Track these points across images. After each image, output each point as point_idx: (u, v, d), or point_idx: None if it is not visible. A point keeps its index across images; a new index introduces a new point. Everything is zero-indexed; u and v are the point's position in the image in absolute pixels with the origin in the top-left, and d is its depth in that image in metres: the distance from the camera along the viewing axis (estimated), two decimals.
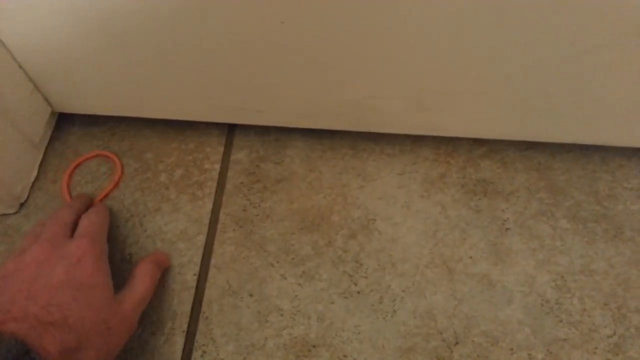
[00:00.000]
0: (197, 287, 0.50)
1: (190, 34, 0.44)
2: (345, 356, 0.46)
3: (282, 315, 0.48)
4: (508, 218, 0.52)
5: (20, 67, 0.51)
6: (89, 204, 0.51)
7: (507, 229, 0.52)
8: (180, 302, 0.49)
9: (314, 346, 0.47)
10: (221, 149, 0.58)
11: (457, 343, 0.46)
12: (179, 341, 0.47)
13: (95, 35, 0.45)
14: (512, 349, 0.46)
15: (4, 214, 0.54)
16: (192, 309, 0.49)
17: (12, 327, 0.35)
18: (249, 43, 0.44)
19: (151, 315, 0.48)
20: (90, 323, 0.38)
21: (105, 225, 0.47)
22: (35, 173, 0.56)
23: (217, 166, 0.57)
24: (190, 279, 0.50)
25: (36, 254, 0.40)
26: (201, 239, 0.52)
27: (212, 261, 0.51)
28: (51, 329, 0.36)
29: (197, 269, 0.51)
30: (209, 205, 0.54)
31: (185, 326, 0.48)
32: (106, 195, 0.55)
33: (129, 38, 0.45)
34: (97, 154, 0.58)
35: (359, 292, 0.49)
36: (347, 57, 0.44)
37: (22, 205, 0.55)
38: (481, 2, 0.38)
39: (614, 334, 0.47)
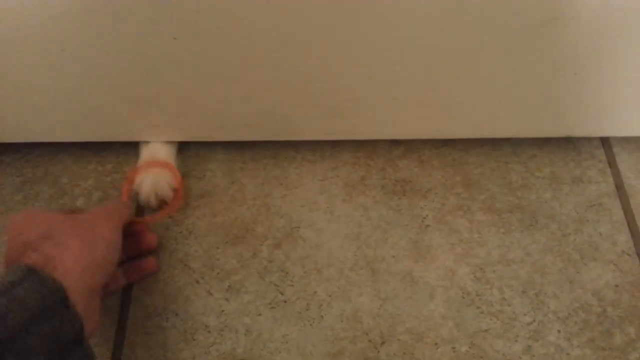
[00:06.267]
0: (120, 312, 0.49)
1: (91, 56, 0.44)
2: None
3: (209, 332, 0.48)
4: (427, 215, 0.54)
5: None
6: None
7: (427, 225, 0.53)
8: (103, 328, 0.48)
9: None
10: None
11: (383, 342, 0.47)
12: None
13: None
14: (436, 344, 0.47)
15: None
16: (116, 334, 0.48)
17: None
18: (145, 59, 0.44)
19: None
20: (57, 220, 0.40)
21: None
22: None
23: None
24: (113, 303, 0.49)
25: None
26: None
27: (135, 284, 0.50)
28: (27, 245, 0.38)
29: (119, 292, 0.50)
30: None
31: (109, 353, 0.47)
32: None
33: (30, 65, 0.44)
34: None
35: (285, 302, 0.49)
36: (251, 68, 0.45)
37: None
38: (377, 10, 0.39)
39: (534, 320, 0.48)
